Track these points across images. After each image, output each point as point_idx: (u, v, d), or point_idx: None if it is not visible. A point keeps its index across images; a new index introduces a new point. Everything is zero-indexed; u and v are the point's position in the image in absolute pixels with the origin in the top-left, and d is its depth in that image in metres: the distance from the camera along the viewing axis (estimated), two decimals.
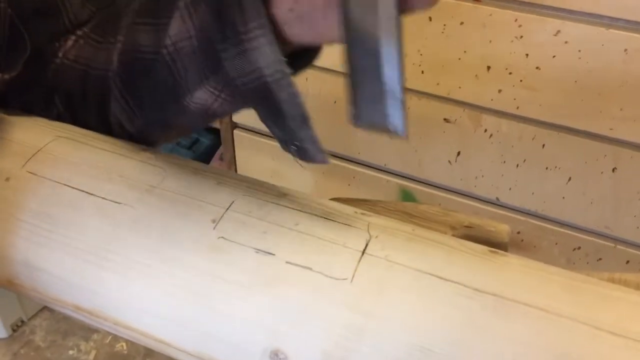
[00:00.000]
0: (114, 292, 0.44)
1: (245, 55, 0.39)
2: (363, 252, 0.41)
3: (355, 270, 0.40)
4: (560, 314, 0.37)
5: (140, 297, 0.43)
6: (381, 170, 1.26)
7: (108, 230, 0.44)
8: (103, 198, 0.45)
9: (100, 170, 0.47)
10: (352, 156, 1.27)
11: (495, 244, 0.49)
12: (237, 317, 0.41)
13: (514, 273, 0.40)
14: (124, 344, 1.76)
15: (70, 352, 1.74)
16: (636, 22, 0.89)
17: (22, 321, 1.69)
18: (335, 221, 0.43)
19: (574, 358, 0.35)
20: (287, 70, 0.39)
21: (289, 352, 0.40)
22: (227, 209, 0.44)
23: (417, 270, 0.40)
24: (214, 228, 0.43)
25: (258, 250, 0.42)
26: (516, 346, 0.36)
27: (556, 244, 1.16)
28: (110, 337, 1.80)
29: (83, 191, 0.46)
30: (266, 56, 0.38)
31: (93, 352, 1.74)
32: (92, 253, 0.44)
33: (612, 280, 0.44)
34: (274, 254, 0.41)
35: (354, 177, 1.30)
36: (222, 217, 0.44)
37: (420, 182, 1.23)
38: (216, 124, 1.52)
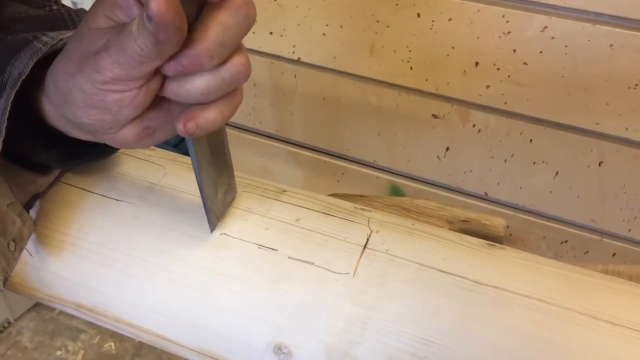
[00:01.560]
0: (115, 289, 0.44)
1: None
2: (364, 247, 0.41)
3: (357, 265, 0.40)
4: (558, 305, 0.38)
5: (142, 293, 0.44)
6: (370, 166, 1.26)
7: (108, 227, 0.45)
8: (103, 195, 0.46)
9: (100, 168, 0.47)
10: (341, 153, 1.27)
11: (490, 237, 0.50)
12: (240, 312, 0.41)
13: (512, 265, 0.41)
14: (112, 344, 1.75)
15: (58, 352, 1.73)
16: (621, 18, 0.90)
17: (9, 322, 1.68)
18: (335, 216, 0.44)
19: (573, 347, 0.36)
20: None
21: (293, 346, 0.40)
22: (228, 205, 0.45)
23: (418, 264, 0.40)
24: (214, 230, 0.43)
25: (260, 246, 0.42)
26: (516, 336, 0.37)
27: (544, 237, 1.18)
28: (98, 337, 1.78)
29: (83, 189, 0.46)
30: None
31: (81, 353, 1.73)
32: (92, 250, 0.45)
33: (605, 272, 0.45)
34: (276, 250, 0.42)
35: (343, 174, 1.30)
36: (223, 213, 0.44)
37: (409, 177, 1.24)
38: None
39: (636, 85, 0.92)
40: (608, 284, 0.40)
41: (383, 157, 1.23)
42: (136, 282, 0.44)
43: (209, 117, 0.34)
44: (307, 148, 1.31)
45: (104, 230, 0.44)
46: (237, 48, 0.33)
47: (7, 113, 0.36)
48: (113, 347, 1.55)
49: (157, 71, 0.33)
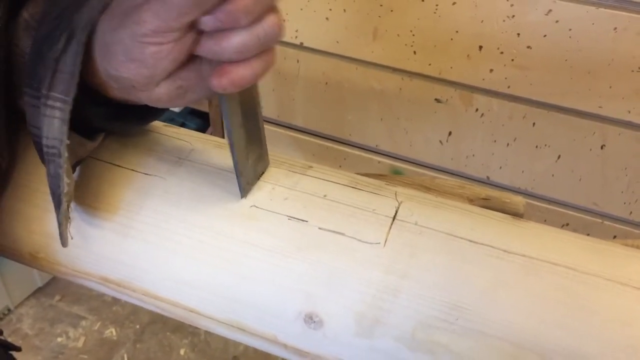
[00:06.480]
0: (143, 262, 0.45)
1: (39, 112, 0.39)
2: (393, 218, 0.42)
3: (388, 235, 0.41)
4: (586, 272, 0.39)
5: (171, 266, 0.44)
6: (372, 151, 1.27)
7: (138, 201, 0.45)
8: (132, 170, 0.46)
9: (128, 144, 0.48)
10: (343, 137, 1.28)
11: (510, 214, 0.50)
12: (271, 282, 0.42)
13: (538, 236, 0.42)
14: (113, 330, 1.75)
15: (59, 339, 1.73)
16: (625, 1, 0.91)
17: (9, 309, 1.67)
18: (363, 190, 0.45)
19: (600, 313, 0.37)
20: (64, 151, 0.39)
21: (323, 315, 0.41)
22: (259, 175, 0.45)
23: (446, 234, 0.41)
24: (245, 197, 0.44)
25: (291, 217, 0.43)
26: (545, 302, 0.38)
27: (545, 221, 1.19)
28: (99, 323, 1.78)
29: (112, 164, 0.46)
30: (52, 129, 0.39)
31: (82, 339, 1.72)
32: (121, 224, 0.45)
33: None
34: (306, 221, 0.42)
35: (345, 159, 1.31)
36: (254, 181, 0.45)
37: (412, 162, 1.25)
38: (204, 107, 1.52)
39: (639, 68, 0.93)
40: (633, 253, 0.41)
41: (385, 142, 1.24)
42: (165, 255, 0.44)
43: (242, 73, 0.35)
44: (309, 133, 1.31)
45: (134, 203, 0.45)
46: (271, 8, 0.35)
47: (81, 56, 0.37)
48: (114, 333, 1.56)
49: (192, 27, 0.34)
